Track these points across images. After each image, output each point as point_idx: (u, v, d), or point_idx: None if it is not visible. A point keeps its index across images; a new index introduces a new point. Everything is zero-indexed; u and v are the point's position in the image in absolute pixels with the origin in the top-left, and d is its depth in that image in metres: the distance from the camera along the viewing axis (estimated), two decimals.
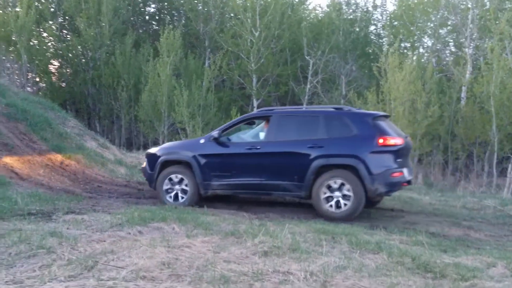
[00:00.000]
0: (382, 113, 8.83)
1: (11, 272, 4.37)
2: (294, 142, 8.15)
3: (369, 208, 8.63)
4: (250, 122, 9.14)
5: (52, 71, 23.36)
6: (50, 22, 22.67)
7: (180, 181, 8.62)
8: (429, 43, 21.00)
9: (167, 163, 8.78)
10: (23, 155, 10.44)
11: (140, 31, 23.65)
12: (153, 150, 9.23)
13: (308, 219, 7.54)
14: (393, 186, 7.83)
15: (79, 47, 22.33)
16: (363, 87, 19.05)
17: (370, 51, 21.90)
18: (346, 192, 7.68)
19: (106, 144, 14.64)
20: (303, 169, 7.89)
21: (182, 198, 8.59)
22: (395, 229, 7.04)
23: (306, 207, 8.41)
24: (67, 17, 22.75)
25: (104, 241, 5.34)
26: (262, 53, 20.77)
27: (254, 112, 9.29)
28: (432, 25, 20.30)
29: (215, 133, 8.59)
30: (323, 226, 6.53)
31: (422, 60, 19.99)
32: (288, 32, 21.41)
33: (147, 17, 24.83)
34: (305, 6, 24.49)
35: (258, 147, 8.31)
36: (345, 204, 7.68)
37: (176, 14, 24.17)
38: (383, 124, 8.03)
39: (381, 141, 7.65)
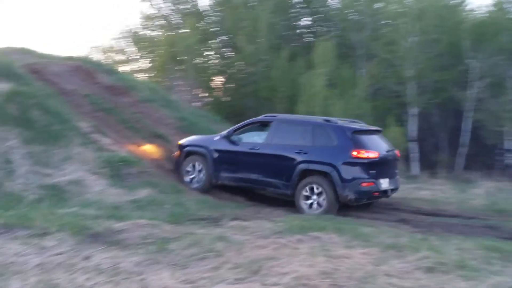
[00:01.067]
0: (367, 127, 9.65)
1: (186, 272, 4.80)
2: (285, 146, 9.27)
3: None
4: (265, 124, 9.95)
5: (216, 86, 25.05)
6: (213, 41, 24.35)
7: (198, 169, 10.06)
8: None
9: (189, 153, 10.26)
10: None
11: (295, 44, 24.20)
12: (182, 141, 10.69)
13: (476, 235, 7.04)
14: (363, 194, 8.66)
15: (239, 63, 23.65)
16: None
17: None
18: (321, 196, 8.69)
19: None
20: (290, 171, 9.01)
21: (198, 183, 10.01)
22: None
23: (474, 223, 7.87)
24: (228, 36, 24.22)
25: (267, 247, 5.60)
26: (418, 59, 19.92)
27: (259, 117, 10.27)
28: None
29: (226, 132, 10.11)
30: (493, 243, 6.06)
31: None
32: (446, 36, 20.23)
33: (300, 30, 25.35)
34: (465, 7, 22.91)
35: (258, 148, 9.53)
36: (319, 205, 8.71)
37: (329, 25, 24.31)
38: (363, 138, 8.93)
39: (354, 153, 8.53)
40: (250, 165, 9.56)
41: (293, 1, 24.21)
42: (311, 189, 8.78)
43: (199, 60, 23.80)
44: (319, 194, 8.72)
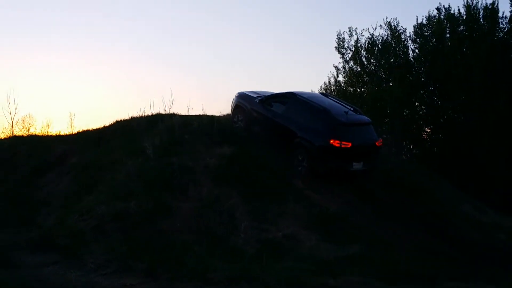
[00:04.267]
0: (355, 121, 11.62)
1: None
2: (292, 121, 11.81)
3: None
4: (287, 98, 12.42)
5: (424, 138, 24.15)
6: (421, 91, 23.71)
7: (240, 119, 13.27)
8: None
9: (237, 106, 13.42)
10: (402, 219, 11.09)
11: None
12: (236, 94, 13.62)
13: None
14: (332, 171, 11.33)
15: (449, 111, 22.53)
16: None
17: None
18: (304, 162, 11.44)
19: (482, 207, 14.04)
20: (291, 139, 11.62)
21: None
22: None
23: None
24: (437, 84, 23.39)
25: None
26: None
27: (285, 92, 12.66)
28: None
29: (263, 97, 12.82)
30: None
31: None
32: None
33: None
34: None
35: (277, 117, 12.18)
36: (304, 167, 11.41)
37: None
38: (346, 129, 11.24)
39: (332, 141, 10.95)
40: (269, 128, 12.36)
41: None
42: (297, 156, 11.51)
43: (406, 112, 23.38)
44: (302, 160, 11.40)
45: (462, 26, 22.65)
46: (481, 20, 22.22)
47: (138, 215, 9.12)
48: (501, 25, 22.27)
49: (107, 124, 14.78)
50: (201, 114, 14.13)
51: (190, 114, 14.06)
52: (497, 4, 21.98)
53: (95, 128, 14.91)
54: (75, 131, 15.32)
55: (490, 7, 22.00)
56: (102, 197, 9.60)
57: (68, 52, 48.72)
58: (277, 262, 7.40)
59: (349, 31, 25.28)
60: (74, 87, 44.70)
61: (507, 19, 22.15)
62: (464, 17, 22.49)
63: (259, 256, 7.85)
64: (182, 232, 8.95)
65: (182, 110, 14.40)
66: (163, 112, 13.82)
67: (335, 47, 25.62)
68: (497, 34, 22.25)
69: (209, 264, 7.02)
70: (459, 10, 22.64)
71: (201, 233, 8.94)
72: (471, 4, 22.27)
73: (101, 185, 10.11)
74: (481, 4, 22.20)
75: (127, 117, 14.76)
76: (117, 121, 14.70)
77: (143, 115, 14.32)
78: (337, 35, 25.52)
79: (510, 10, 22.07)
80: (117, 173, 10.54)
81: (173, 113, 13.87)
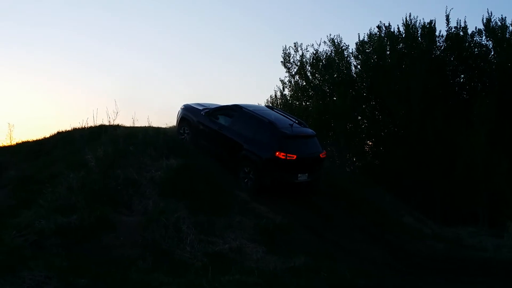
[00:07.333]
0: (299, 133, 11.84)
1: None
2: (238, 134, 11.89)
3: None
4: (234, 111, 12.46)
5: (367, 151, 24.84)
6: (363, 106, 24.42)
7: (186, 132, 13.17)
8: None
9: (183, 118, 13.31)
10: (346, 230, 11.29)
11: (450, 102, 23.19)
12: (182, 106, 13.54)
13: None
14: (278, 183, 11.41)
15: (390, 126, 23.30)
16: None
17: None
18: (250, 174, 11.56)
19: (422, 218, 14.55)
20: (237, 152, 11.76)
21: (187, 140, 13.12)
22: None
23: None
24: (378, 99, 24.14)
25: None
26: None
27: (230, 105, 12.68)
28: None
29: (209, 110, 12.82)
30: None
31: None
32: None
33: (456, 88, 24.26)
34: None
35: (222, 129, 12.25)
36: (251, 180, 11.55)
37: (487, 81, 22.88)
38: (291, 141, 11.47)
39: (277, 153, 11.12)
40: (215, 140, 12.38)
41: (448, 59, 23.42)
42: (243, 169, 11.61)
43: (349, 125, 23.98)
44: (249, 172, 11.51)
45: (401, 44, 23.54)
46: (420, 38, 23.19)
47: (80, 230, 8.81)
48: (438, 44, 23.35)
49: (47, 136, 14.29)
50: (146, 125, 13.92)
51: (135, 125, 13.84)
52: (434, 23, 23.06)
53: (34, 139, 14.37)
54: (14, 142, 14.62)
55: (427, 26, 23.02)
56: (41, 211, 9.22)
57: (6, 61, 46.63)
58: (224, 275, 7.35)
59: (295, 46, 25.78)
60: (14, 97, 42.77)
61: (443, 38, 23.26)
62: (404, 35, 23.41)
63: (206, 269, 7.78)
64: (126, 246, 8.72)
65: (127, 122, 14.15)
66: (106, 123, 13.51)
67: (281, 62, 26.02)
68: (434, 52, 23.28)
69: (154, 278, 6.89)
70: (398, 28, 23.57)
71: (146, 248, 8.74)
72: (410, 23, 23.23)
73: (41, 199, 9.71)
74: (419, 23, 23.20)
75: (68, 128, 14.36)
76: (58, 132, 14.25)
77: (85, 126, 13.98)
78: (283, 50, 25.95)
79: (446, 29, 23.15)
80: (58, 186, 10.16)
81: (118, 125, 13.58)
